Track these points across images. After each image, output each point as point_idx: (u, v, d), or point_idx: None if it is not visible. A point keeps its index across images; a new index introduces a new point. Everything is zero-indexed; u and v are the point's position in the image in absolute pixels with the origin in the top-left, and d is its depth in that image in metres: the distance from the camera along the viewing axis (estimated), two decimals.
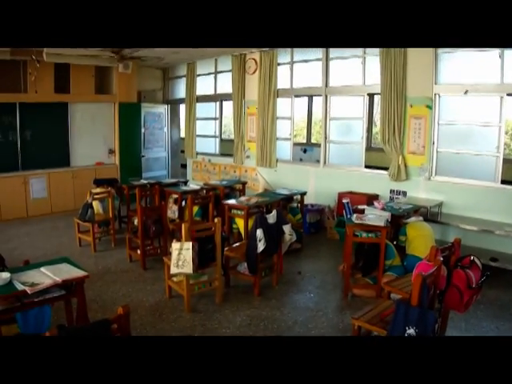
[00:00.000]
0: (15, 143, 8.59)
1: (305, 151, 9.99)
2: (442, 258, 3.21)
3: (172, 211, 7.19)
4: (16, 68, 8.31)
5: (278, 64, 8.23)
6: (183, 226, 4.49)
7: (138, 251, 5.96)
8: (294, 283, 5.38)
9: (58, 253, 6.41)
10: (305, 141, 10.99)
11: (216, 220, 4.74)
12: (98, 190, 7.20)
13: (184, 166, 11.21)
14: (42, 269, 3.39)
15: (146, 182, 8.31)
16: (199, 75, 10.06)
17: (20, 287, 3.04)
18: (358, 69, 7.24)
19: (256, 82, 8.52)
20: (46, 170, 8.90)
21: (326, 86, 7.65)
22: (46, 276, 3.25)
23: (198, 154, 10.42)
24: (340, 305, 4.73)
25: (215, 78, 9.87)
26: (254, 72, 8.58)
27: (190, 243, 4.44)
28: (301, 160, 9.17)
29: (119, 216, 7.81)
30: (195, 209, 7.11)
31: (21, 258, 6.02)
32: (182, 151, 11.17)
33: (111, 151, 9.98)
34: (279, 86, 8.30)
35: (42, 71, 8.45)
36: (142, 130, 10.52)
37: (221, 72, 9.71)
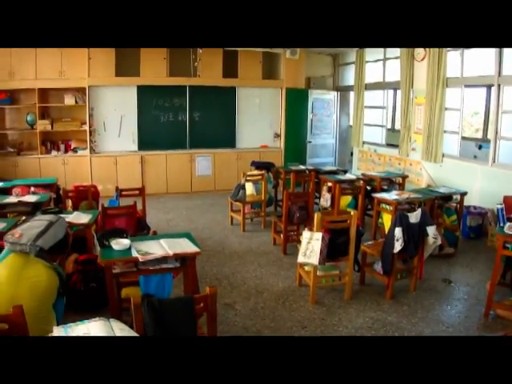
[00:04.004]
0: (184, 123, 9.49)
1: (480, 147, 9.00)
2: None
3: (325, 199, 7.21)
4: (187, 53, 9.07)
5: (448, 50, 7.51)
6: (316, 215, 4.47)
7: (282, 235, 6.11)
8: (434, 291, 4.93)
9: (208, 228, 6.95)
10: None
11: (352, 212, 4.61)
12: (254, 172, 7.52)
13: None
14: (161, 240, 3.57)
15: (304, 167, 8.43)
16: (368, 62, 9.77)
17: (134, 254, 3.30)
18: None
19: (424, 69, 7.92)
20: (211, 149, 9.67)
21: (499, 74, 6.74)
22: (161, 247, 3.42)
23: (364, 143, 10.18)
24: (476, 324, 4.20)
25: (384, 65, 9.50)
26: (423, 59, 7.98)
27: (321, 234, 4.39)
28: (475, 157, 8.33)
29: (275, 199, 8.07)
30: (348, 199, 7.02)
31: (174, 228, 6.75)
32: None
33: (277, 135, 10.31)
34: (449, 75, 7.59)
35: (211, 57, 9.12)
36: (310, 116, 10.60)
37: (389, 59, 9.30)
